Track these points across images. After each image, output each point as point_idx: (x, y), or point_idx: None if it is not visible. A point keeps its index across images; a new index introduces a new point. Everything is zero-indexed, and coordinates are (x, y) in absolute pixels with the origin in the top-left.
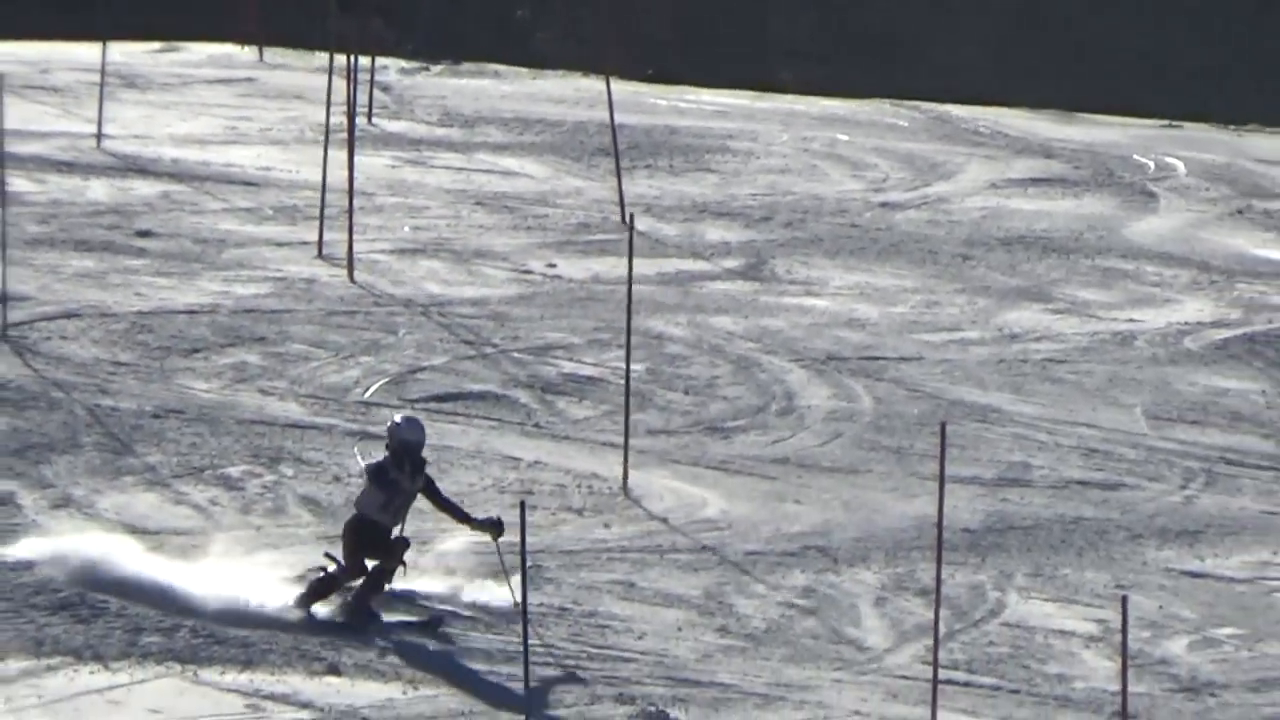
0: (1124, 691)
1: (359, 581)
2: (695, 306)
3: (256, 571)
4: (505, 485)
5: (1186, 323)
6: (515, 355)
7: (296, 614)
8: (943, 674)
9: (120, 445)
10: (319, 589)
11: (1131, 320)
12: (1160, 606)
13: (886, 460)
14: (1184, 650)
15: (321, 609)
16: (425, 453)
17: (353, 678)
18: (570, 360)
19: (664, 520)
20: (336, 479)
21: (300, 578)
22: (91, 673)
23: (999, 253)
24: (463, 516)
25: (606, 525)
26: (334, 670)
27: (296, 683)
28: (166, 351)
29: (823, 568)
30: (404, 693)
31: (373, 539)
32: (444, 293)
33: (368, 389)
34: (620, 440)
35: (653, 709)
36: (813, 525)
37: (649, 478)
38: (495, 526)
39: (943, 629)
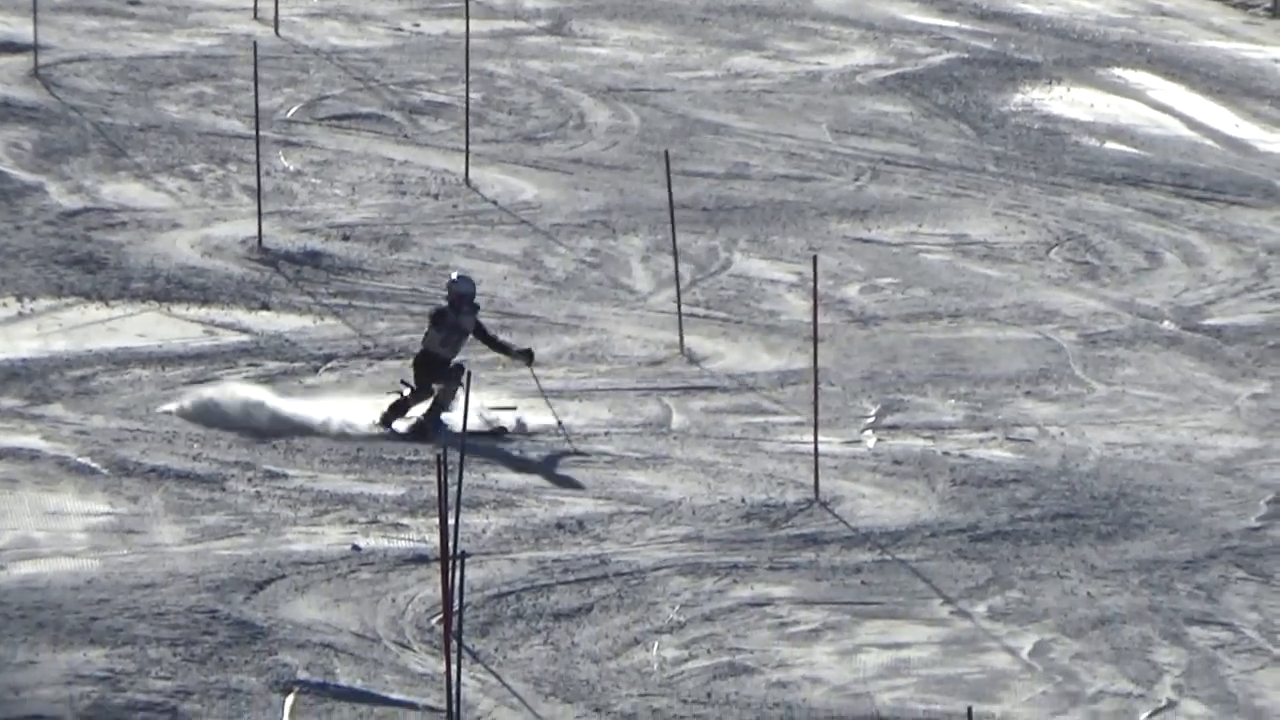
0: (814, 321)
1: (426, 404)
2: (516, 54)
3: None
4: (385, 178)
5: (858, 65)
6: (391, 88)
7: (378, 430)
8: (688, 309)
9: (117, 150)
10: (396, 408)
11: (819, 64)
12: (840, 263)
13: (649, 161)
14: (857, 293)
15: (400, 425)
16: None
17: (279, 312)
18: (429, 91)
19: (494, 202)
20: (267, 173)
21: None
22: (96, 309)
23: (727, 16)
24: (502, 347)
25: (455, 205)
26: (265, 307)
27: (239, 315)
28: (149, 85)
29: (605, 235)
30: (314, 323)
31: (436, 368)
32: (342, 44)
33: (289, 110)
34: (463, 146)
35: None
36: (598, 205)
37: (484, 172)
38: (527, 355)
39: (688, 278)
